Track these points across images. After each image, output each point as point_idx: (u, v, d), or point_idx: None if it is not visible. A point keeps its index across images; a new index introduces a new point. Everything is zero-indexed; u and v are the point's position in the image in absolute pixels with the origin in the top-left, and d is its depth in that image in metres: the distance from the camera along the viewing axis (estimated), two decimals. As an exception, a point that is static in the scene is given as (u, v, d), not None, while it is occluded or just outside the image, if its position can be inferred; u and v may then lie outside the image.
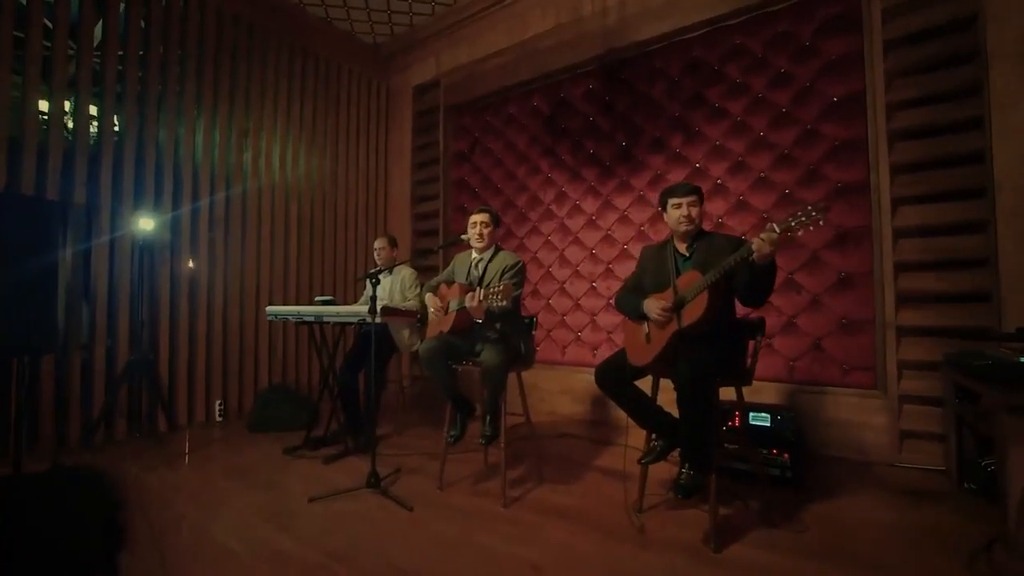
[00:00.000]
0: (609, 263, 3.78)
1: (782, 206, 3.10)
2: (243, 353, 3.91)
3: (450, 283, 2.60)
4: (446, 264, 4.66)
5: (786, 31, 3.10)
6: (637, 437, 3.33)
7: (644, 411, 2.04)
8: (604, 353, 3.79)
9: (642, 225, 3.64)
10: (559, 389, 3.91)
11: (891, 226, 2.72)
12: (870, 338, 2.83)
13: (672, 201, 2.06)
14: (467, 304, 2.14)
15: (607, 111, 3.83)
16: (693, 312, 1.81)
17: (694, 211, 2.01)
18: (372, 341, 2.47)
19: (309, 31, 4.42)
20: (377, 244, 3.50)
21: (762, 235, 1.70)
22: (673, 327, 1.86)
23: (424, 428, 3.54)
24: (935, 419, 2.61)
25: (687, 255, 2.04)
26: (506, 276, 2.37)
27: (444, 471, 2.44)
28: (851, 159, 2.89)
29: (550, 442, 3.21)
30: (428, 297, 2.55)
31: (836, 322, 2.92)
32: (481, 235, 2.45)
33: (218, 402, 3.74)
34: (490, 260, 2.47)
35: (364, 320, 2.79)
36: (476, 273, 2.49)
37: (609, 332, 3.77)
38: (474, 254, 2.54)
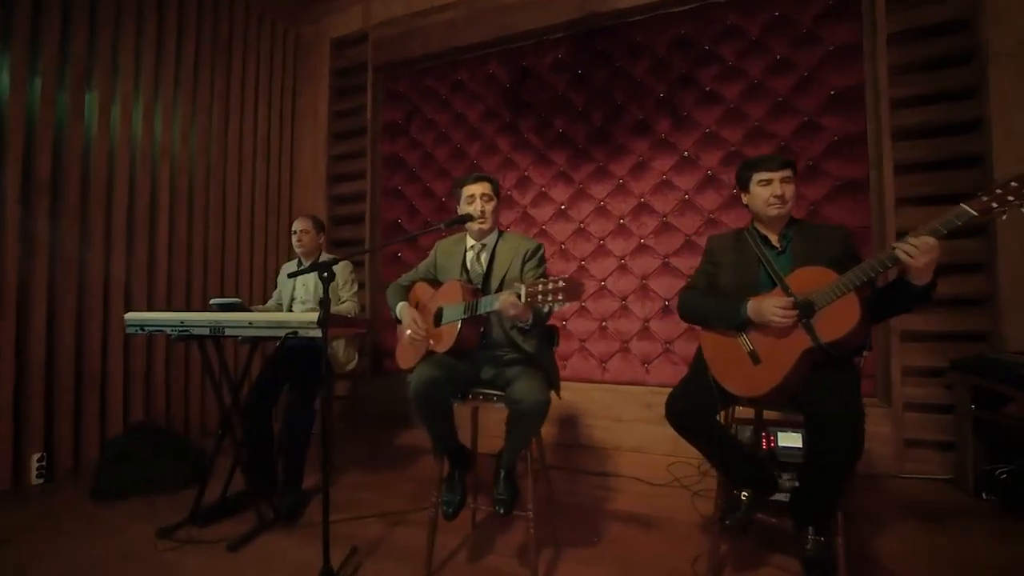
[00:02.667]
0: (582, 260, 3.28)
1: (780, 202, 2.86)
2: (81, 381, 2.69)
3: (433, 281, 1.87)
4: (376, 264, 3.84)
5: (784, 15, 2.88)
6: (626, 463, 2.89)
7: (736, 457, 1.54)
8: (577, 365, 3.28)
9: (622, 218, 3.20)
10: (523, 408, 3.31)
11: (895, 227, 2.59)
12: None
13: (759, 177, 1.60)
14: (498, 306, 1.44)
15: (581, 85, 3.34)
16: (837, 323, 1.34)
17: (788, 190, 1.57)
18: (324, 362, 1.65)
19: (188, -59, 3.28)
20: (297, 226, 2.61)
21: (912, 239, 1.27)
22: (802, 343, 1.38)
23: (361, 473, 2.71)
24: (937, 427, 2.52)
25: (779, 247, 1.59)
26: (529, 267, 1.73)
27: (431, 548, 1.71)
28: (853, 155, 2.73)
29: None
30: (402, 307, 1.79)
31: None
32: (483, 212, 1.76)
33: (36, 456, 2.50)
34: (495, 246, 1.80)
35: (293, 333, 1.93)
36: (478, 267, 1.79)
37: (583, 340, 3.27)
38: (470, 240, 1.85)
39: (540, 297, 1.29)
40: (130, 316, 2.17)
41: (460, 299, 1.63)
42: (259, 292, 3.69)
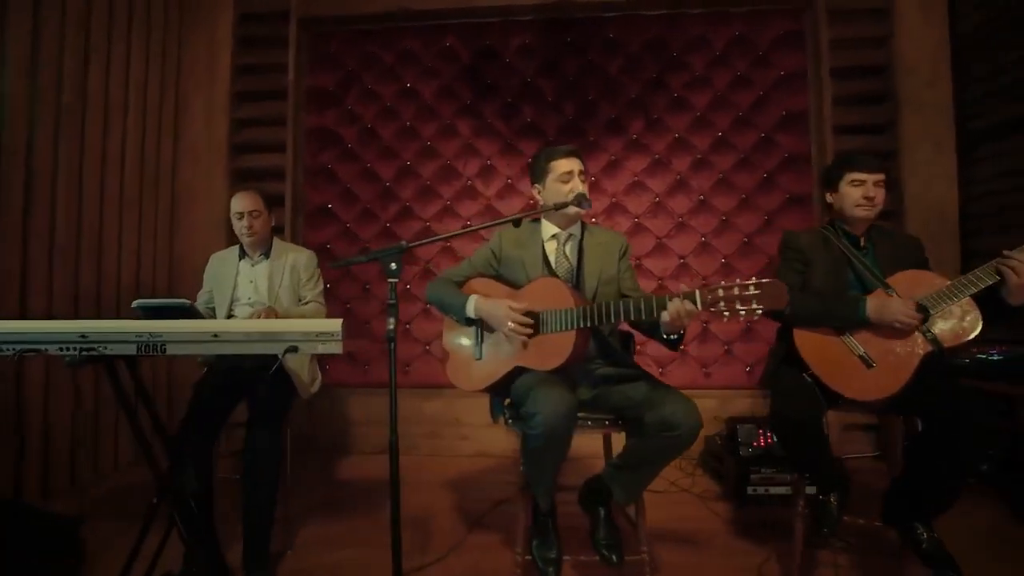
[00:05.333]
0: (553, 260, 3.10)
1: (742, 211, 3.04)
2: None
3: (497, 277, 1.51)
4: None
5: (744, 35, 3.07)
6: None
7: (829, 461, 1.50)
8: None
9: (594, 218, 3.09)
10: (488, 421, 2.99)
11: (836, 237, 2.93)
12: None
13: (852, 176, 1.60)
14: (668, 317, 1.16)
15: (551, 75, 3.16)
16: (960, 328, 1.36)
17: (880, 193, 1.59)
18: (392, 394, 1.20)
19: None
20: (243, 205, 1.97)
21: (1019, 256, 1.30)
22: (922, 348, 1.38)
23: (324, 522, 2.14)
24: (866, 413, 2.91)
25: (865, 248, 1.61)
26: (623, 266, 1.48)
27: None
28: (801, 172, 3.02)
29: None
30: (495, 303, 1.38)
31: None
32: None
33: None
34: (582, 239, 1.51)
35: (294, 348, 1.38)
36: (566, 262, 1.48)
37: (553, 344, 3.08)
38: (549, 228, 1.53)
39: (723, 304, 1.06)
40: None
41: (571, 302, 1.31)
42: (130, 291, 2.74)
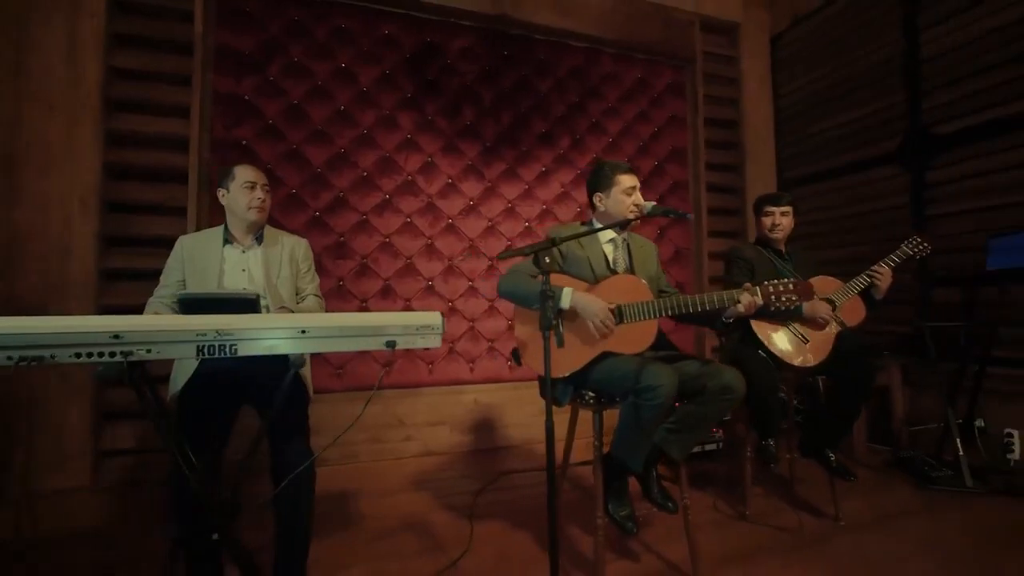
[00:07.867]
0: (492, 260, 3.24)
1: (644, 225, 3.60)
2: None
3: (561, 274, 1.64)
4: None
5: (644, 79, 3.69)
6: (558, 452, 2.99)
7: (778, 416, 2.04)
8: (486, 367, 3.21)
9: (528, 221, 3.35)
10: (430, 420, 3.01)
11: (706, 251, 3.74)
12: (693, 328, 3.77)
13: (764, 209, 2.22)
14: (743, 309, 1.46)
15: (490, 82, 3.29)
16: (854, 315, 2.01)
17: (784, 221, 2.21)
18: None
19: None
20: (256, 175, 1.77)
21: (880, 269, 2.01)
22: (834, 327, 1.98)
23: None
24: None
25: (787, 258, 2.20)
26: (658, 267, 1.78)
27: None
28: (684, 196, 3.77)
29: (505, 492, 2.47)
30: (593, 299, 1.53)
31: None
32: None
33: None
34: (628, 242, 1.77)
35: (392, 343, 1.31)
36: (624, 262, 1.71)
37: (491, 341, 3.23)
38: (607, 232, 1.72)
39: (773, 298, 1.44)
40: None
41: (650, 296, 1.54)
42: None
